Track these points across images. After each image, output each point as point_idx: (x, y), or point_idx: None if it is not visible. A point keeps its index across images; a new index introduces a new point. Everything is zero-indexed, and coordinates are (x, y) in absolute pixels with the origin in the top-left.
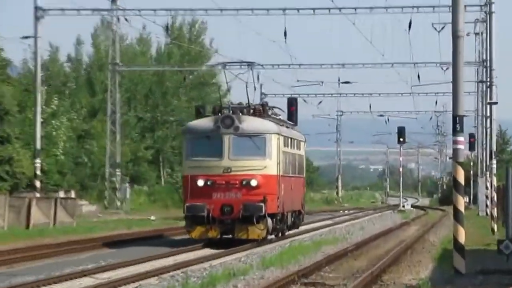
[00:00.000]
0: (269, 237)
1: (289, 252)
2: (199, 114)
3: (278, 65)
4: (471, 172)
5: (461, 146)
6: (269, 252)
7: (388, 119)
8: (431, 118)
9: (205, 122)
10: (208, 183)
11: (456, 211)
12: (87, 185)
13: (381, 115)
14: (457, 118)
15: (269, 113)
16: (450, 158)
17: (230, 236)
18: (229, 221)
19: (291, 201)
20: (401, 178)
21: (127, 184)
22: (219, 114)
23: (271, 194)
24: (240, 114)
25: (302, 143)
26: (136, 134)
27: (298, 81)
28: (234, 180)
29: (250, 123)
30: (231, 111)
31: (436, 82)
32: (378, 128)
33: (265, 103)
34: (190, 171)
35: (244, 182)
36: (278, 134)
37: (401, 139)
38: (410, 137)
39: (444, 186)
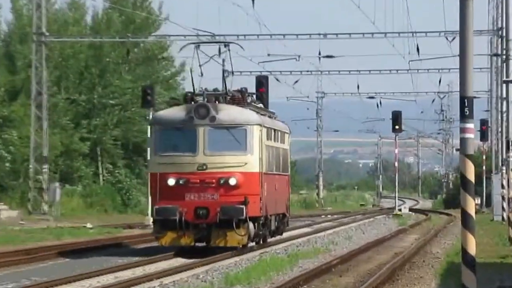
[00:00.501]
0: (250, 244)
1: (259, 267)
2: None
3: (244, 35)
4: (483, 167)
5: (470, 135)
6: (233, 267)
7: (380, 102)
8: (433, 101)
9: (175, 112)
10: (180, 182)
11: (465, 216)
12: (8, 184)
13: (371, 97)
14: (466, 101)
15: (249, 100)
16: (457, 150)
17: (204, 244)
18: (204, 225)
19: (274, 203)
20: (396, 175)
21: (57, 184)
22: (192, 102)
23: (253, 194)
24: (217, 102)
25: (286, 136)
26: (68, 122)
27: (269, 55)
28: (210, 179)
29: (228, 113)
30: (205, 99)
31: (440, 56)
32: (368, 113)
33: (244, 89)
34: (159, 168)
35: (221, 181)
36: (260, 125)
37: (397, 127)
38: (408, 124)
39: (450, 185)
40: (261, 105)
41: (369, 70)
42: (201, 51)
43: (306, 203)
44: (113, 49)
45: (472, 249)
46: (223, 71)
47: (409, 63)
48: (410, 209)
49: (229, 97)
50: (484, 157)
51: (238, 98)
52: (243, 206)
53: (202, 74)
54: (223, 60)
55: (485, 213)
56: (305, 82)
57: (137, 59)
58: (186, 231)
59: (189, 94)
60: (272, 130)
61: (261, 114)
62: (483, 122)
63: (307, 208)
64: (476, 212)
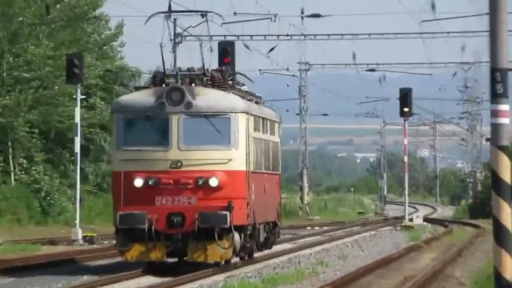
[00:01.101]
0: (234, 260)
1: None
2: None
3: None
4: None
5: (505, 120)
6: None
7: (384, 77)
8: (454, 75)
9: (143, 97)
10: (150, 183)
11: (498, 228)
12: None
13: (372, 70)
14: (499, 74)
15: (230, 82)
16: (487, 140)
17: (177, 259)
18: (179, 236)
19: (264, 209)
20: (406, 174)
21: None
22: (163, 85)
23: (238, 198)
24: (193, 85)
25: (276, 125)
26: None
27: (235, 14)
28: (186, 179)
29: (208, 98)
30: (179, 81)
31: (462, 15)
32: (368, 92)
33: (224, 68)
34: (123, 165)
35: (200, 182)
36: (247, 113)
37: (406, 109)
38: (422, 105)
39: (478, 187)
40: (245, 87)
41: (369, 34)
42: (171, 22)
43: (286, 210)
44: (28, 5)
45: (508, 272)
46: (201, 46)
47: (421, 24)
48: (425, 219)
49: (207, 78)
50: None
51: (219, 80)
52: (227, 212)
53: (174, 51)
54: (201, 31)
55: None
56: (284, 49)
57: (60, 19)
58: (156, 243)
59: (158, 75)
60: (261, 119)
61: (247, 100)
62: None
63: (287, 217)
64: None
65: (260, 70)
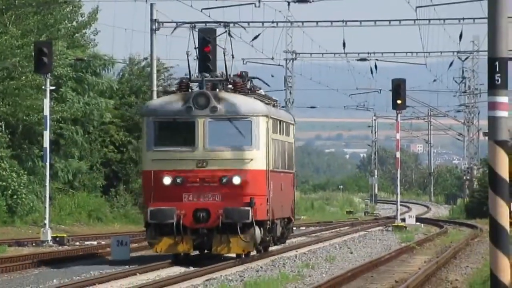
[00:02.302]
0: (252, 253)
1: None
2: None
3: None
4: None
5: (503, 113)
6: None
7: (376, 66)
8: (451, 64)
9: (171, 101)
10: (178, 181)
11: (496, 228)
12: None
13: (363, 59)
14: (497, 64)
15: (249, 86)
16: (485, 134)
17: (199, 252)
18: (204, 230)
19: (280, 205)
20: (398, 171)
21: None
22: (189, 90)
23: (259, 195)
24: (217, 90)
25: (291, 127)
26: None
27: None
28: (211, 177)
29: (231, 102)
30: (205, 87)
31: (460, 0)
32: (358, 82)
33: (244, 73)
34: (153, 165)
35: (224, 180)
36: (267, 116)
37: (399, 102)
38: (416, 97)
39: (475, 185)
40: (261, 91)
41: (360, 21)
42: (196, 32)
43: None
44: None
45: (505, 276)
46: (224, 54)
47: (416, 10)
48: (418, 219)
49: (230, 83)
50: None
51: (240, 85)
52: (249, 208)
53: (197, 58)
54: (225, 43)
55: None
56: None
57: (28, 4)
58: (184, 237)
59: (185, 80)
60: (278, 122)
61: (266, 103)
62: None
63: None
64: (511, 224)
65: (243, 59)
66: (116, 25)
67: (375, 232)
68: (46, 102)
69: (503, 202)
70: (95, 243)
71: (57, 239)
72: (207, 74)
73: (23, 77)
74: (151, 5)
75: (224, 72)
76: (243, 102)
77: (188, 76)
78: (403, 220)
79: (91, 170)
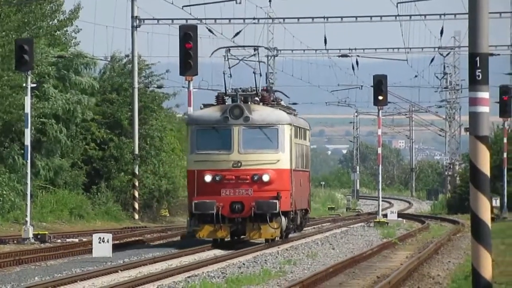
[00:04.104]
0: (277, 239)
1: None
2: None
3: None
4: (505, 154)
5: (484, 109)
6: None
7: (357, 62)
8: (432, 60)
9: (211, 112)
10: (217, 178)
11: (477, 224)
12: None
13: (344, 56)
14: (478, 59)
15: (272, 99)
16: (466, 130)
17: (235, 237)
18: (239, 219)
19: (300, 199)
20: (380, 166)
21: None
22: (225, 103)
23: (284, 190)
24: (249, 103)
25: (308, 132)
26: None
27: None
28: (245, 175)
29: (261, 113)
30: (239, 100)
31: None
32: (339, 79)
33: (269, 88)
34: (196, 165)
35: (255, 177)
36: (290, 124)
37: (381, 98)
38: (397, 93)
39: (457, 180)
40: (283, 102)
41: (341, 17)
42: (231, 54)
43: None
44: None
45: (487, 271)
46: (254, 73)
47: (397, 6)
48: (400, 215)
49: (258, 97)
50: (505, 140)
51: (267, 98)
52: (276, 201)
53: (231, 76)
54: (255, 64)
55: (506, 220)
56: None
57: (9, 2)
58: (222, 225)
59: (221, 94)
60: (298, 128)
61: (288, 113)
62: (504, 90)
63: None
64: (493, 219)
65: (224, 56)
66: (97, 23)
67: (357, 228)
68: (27, 100)
69: (484, 197)
70: (76, 240)
71: (39, 236)
72: (239, 89)
73: (4, 76)
74: (132, 2)
75: (254, 87)
76: (271, 113)
77: (224, 91)
78: (385, 215)
79: (72, 168)
